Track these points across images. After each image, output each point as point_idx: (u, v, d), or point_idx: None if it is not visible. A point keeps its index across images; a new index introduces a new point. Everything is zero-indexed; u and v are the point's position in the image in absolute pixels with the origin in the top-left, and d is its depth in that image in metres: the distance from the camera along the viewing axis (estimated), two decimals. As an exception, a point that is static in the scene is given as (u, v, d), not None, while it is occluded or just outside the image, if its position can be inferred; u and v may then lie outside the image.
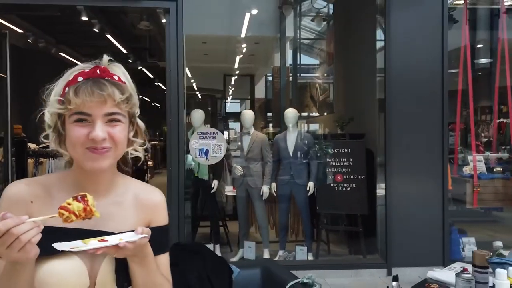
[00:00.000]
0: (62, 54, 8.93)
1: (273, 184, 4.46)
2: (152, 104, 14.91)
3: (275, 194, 4.49)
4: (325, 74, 7.79)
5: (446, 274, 1.51)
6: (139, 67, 9.83)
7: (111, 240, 0.80)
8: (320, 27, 7.53)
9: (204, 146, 3.98)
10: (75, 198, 0.76)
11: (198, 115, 4.36)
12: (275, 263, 2.61)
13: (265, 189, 4.36)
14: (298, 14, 7.20)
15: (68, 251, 0.78)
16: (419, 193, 4.07)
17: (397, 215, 4.04)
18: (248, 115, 4.45)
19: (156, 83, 11.74)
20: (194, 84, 8.65)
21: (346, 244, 4.81)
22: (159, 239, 0.94)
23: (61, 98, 0.85)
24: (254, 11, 5.81)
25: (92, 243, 0.78)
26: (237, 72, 8.65)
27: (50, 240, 0.76)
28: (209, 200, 4.55)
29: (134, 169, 10.43)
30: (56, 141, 0.89)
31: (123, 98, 0.87)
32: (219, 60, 8.36)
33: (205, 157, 3.99)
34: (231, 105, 11.53)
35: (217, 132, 4.07)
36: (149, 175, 11.22)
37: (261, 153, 4.45)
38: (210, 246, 4.36)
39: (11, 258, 0.71)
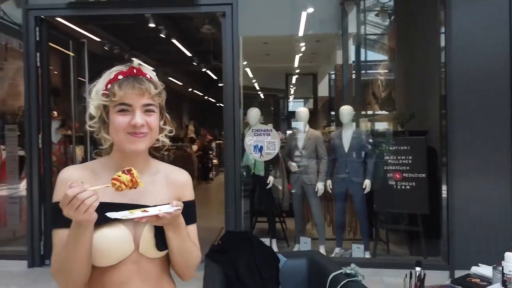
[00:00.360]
0: (133, 59, 9.62)
1: (329, 182, 4.47)
2: (217, 104, 15.49)
3: (330, 191, 4.49)
4: (387, 70, 7.56)
5: (489, 269, 1.46)
6: (203, 69, 10.29)
7: (152, 211, 0.95)
8: (385, 21, 7.33)
9: (259, 143, 4.12)
10: (123, 172, 0.93)
11: (254, 113, 4.50)
12: (321, 254, 2.66)
13: (319, 186, 4.39)
14: (361, 10, 7.07)
15: (117, 221, 0.95)
16: (485, 194, 3.85)
17: (461, 216, 3.86)
18: (303, 113, 4.51)
19: (220, 84, 12.18)
20: (256, 84, 8.83)
21: (407, 244, 4.66)
22: (187, 211, 1.08)
23: (106, 92, 1.01)
24: (315, 9, 5.81)
25: (137, 213, 0.94)
26: (299, 71, 8.67)
27: (102, 213, 0.93)
28: (265, 195, 4.68)
29: (200, 166, 10.99)
30: (100, 128, 1.06)
31: (156, 92, 1.06)
32: (281, 60, 8.42)
33: (260, 154, 4.13)
34: (294, 104, 11.56)
35: (271, 130, 4.19)
36: (214, 172, 11.68)
37: (316, 150, 4.49)
38: (266, 241, 4.49)
39: (78, 219, 0.87)
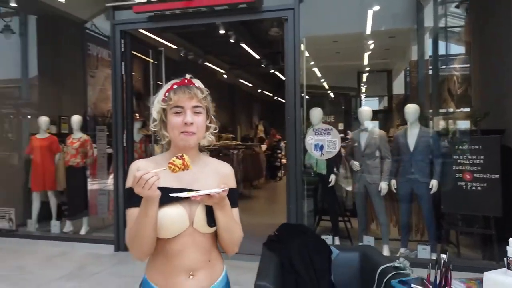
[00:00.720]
0: (206, 63, 10.24)
1: (393, 181, 4.42)
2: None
3: (395, 191, 4.45)
4: (464, 66, 7.14)
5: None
6: (272, 70, 10.57)
7: (204, 192, 1.17)
8: (465, 14, 6.94)
9: (319, 142, 4.24)
10: (177, 157, 1.17)
11: (316, 113, 4.61)
12: (374, 249, 2.72)
13: (383, 185, 4.37)
14: (438, 2, 6.79)
15: (176, 202, 1.20)
16: None
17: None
18: (365, 111, 4.52)
19: (288, 85, 12.34)
20: (325, 84, 8.83)
21: (480, 248, 4.45)
22: (231, 197, 1.30)
23: (165, 98, 1.28)
24: (388, 4, 5.70)
25: (192, 193, 1.17)
26: (372, 68, 8.49)
27: (165, 195, 1.18)
28: (327, 194, 4.77)
29: (269, 166, 11.29)
30: (160, 128, 1.33)
31: (202, 97, 1.31)
32: (352, 58, 8.28)
33: (320, 152, 4.24)
34: (368, 103, 11.27)
35: (332, 129, 4.28)
36: (282, 171, 11.89)
37: (379, 149, 4.47)
38: (329, 238, 4.59)
39: (145, 195, 1.13)
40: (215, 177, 1.34)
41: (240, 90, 15.66)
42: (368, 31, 6.13)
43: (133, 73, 5.76)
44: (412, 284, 1.54)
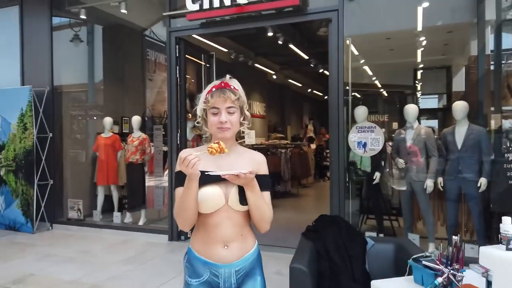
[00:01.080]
0: (256, 64, 10.53)
1: (440, 179, 4.38)
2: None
3: (441, 189, 4.40)
4: (524, 60, 6.76)
5: None
6: (320, 70, 10.63)
7: (233, 172, 1.40)
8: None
9: (363, 139, 4.31)
10: (214, 143, 1.41)
11: (360, 111, 4.68)
12: (409, 241, 2.79)
13: (429, 183, 4.34)
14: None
15: (214, 184, 1.45)
16: None
17: None
18: (411, 109, 4.51)
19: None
20: (377, 82, 8.67)
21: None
22: (263, 181, 1.52)
23: (205, 100, 1.53)
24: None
25: (223, 172, 1.42)
26: (429, 65, 8.22)
27: (205, 177, 1.43)
28: (372, 191, 4.82)
29: (317, 165, 11.35)
30: (203, 124, 1.58)
31: (235, 98, 1.52)
32: (408, 55, 8.00)
33: (364, 150, 4.31)
34: (426, 101, 10.84)
35: (375, 126, 4.33)
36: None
37: (425, 147, 4.45)
38: (373, 235, 4.63)
39: (188, 172, 1.37)
40: (249, 164, 1.54)
41: (290, 90, 15.81)
42: (424, 26, 5.97)
43: (187, 76, 6.16)
44: (423, 261, 1.65)
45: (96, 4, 6.35)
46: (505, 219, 1.37)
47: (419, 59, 7.62)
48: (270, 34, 7.04)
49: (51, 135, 6.03)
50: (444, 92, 8.89)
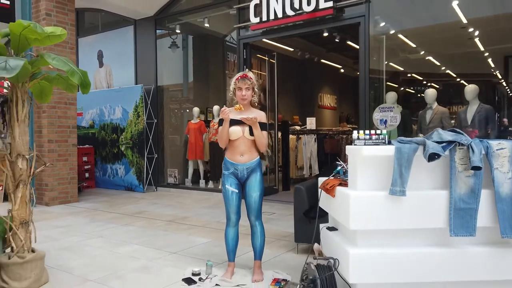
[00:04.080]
0: (323, 60, 11.74)
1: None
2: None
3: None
4: None
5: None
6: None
7: (245, 116, 2.87)
8: None
9: (384, 117, 5.40)
10: (238, 105, 2.91)
11: (391, 95, 5.74)
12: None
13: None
14: None
15: (237, 124, 2.93)
16: None
17: None
18: (430, 92, 5.47)
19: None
20: (449, 71, 8.87)
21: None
22: (261, 125, 2.96)
23: (235, 83, 3.01)
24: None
25: (241, 117, 2.89)
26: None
27: (233, 121, 2.93)
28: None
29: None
30: (233, 95, 3.04)
31: (250, 83, 2.98)
32: (492, 42, 7.21)
33: (384, 126, 5.40)
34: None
35: (393, 107, 5.39)
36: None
37: (442, 123, 5.38)
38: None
39: (224, 117, 2.89)
40: (254, 115, 2.94)
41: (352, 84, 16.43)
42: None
43: (260, 72, 7.72)
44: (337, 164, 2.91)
45: (188, 20, 8.23)
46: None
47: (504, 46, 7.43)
48: (335, 34, 8.23)
49: (155, 121, 8.09)
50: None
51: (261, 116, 3.04)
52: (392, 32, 6.01)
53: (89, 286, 3.03)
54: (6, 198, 6.83)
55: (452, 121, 5.72)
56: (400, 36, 6.29)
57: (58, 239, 4.34)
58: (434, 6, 5.56)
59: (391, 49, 6.25)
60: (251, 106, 3.10)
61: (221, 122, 2.99)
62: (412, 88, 8.59)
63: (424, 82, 9.39)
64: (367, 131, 2.48)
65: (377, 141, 2.45)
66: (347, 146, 2.57)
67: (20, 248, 2.97)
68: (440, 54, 7.89)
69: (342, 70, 13.51)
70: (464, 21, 5.84)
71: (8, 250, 3.11)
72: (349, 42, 9.54)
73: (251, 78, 3.02)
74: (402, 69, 7.82)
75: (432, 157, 2.24)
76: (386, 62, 6.22)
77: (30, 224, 3.07)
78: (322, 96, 13.96)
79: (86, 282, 3.10)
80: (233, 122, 2.95)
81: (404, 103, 7.46)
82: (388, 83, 6.29)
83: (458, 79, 9.01)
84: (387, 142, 2.45)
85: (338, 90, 14.68)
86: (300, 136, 8.65)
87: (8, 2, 5.69)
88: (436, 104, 5.50)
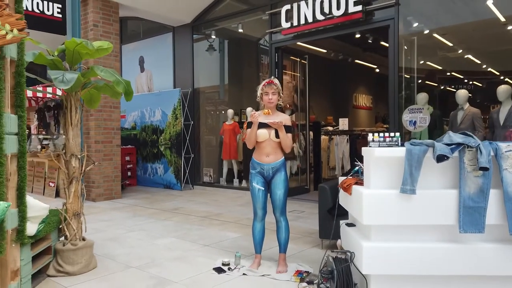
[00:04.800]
0: (357, 60, 11.75)
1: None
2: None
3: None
4: None
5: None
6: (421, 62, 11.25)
7: (271, 121, 3.12)
8: None
9: (413, 118, 5.46)
10: (266, 110, 3.18)
11: (421, 97, 5.78)
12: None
13: (473, 154, 5.27)
14: None
15: (264, 128, 3.20)
16: None
17: None
18: (462, 93, 5.47)
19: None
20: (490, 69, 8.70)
21: None
22: (286, 128, 3.19)
23: (263, 88, 3.28)
24: None
25: (268, 121, 3.15)
26: None
27: (261, 125, 3.20)
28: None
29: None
30: (261, 99, 3.31)
31: (275, 87, 3.24)
32: None
33: (414, 127, 5.46)
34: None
35: (423, 108, 5.43)
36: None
37: (473, 124, 5.37)
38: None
39: (253, 121, 3.16)
40: (280, 119, 3.19)
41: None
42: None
43: (294, 73, 7.95)
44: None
45: (223, 26, 8.60)
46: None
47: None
48: (368, 35, 8.30)
49: (192, 122, 8.52)
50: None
51: (286, 119, 3.29)
52: (425, 31, 6.02)
53: (131, 272, 3.40)
54: (57, 195, 7.49)
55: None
56: (435, 35, 6.28)
57: (104, 231, 4.79)
58: (468, 4, 5.54)
59: (424, 48, 6.27)
60: (276, 109, 3.36)
61: (250, 124, 3.27)
62: (446, 87, 8.50)
63: (465, 81, 9.22)
64: (381, 134, 2.66)
65: (391, 143, 2.62)
66: (362, 148, 2.76)
67: (73, 236, 3.39)
68: (479, 52, 7.78)
69: (377, 70, 13.43)
70: (502, 19, 5.80)
71: (62, 238, 3.55)
72: (383, 43, 9.53)
73: (277, 84, 3.28)
74: (440, 67, 7.82)
75: (441, 158, 2.40)
76: (417, 63, 6.25)
77: (81, 215, 3.48)
78: (357, 96, 13.94)
79: (129, 268, 3.47)
80: (261, 125, 3.22)
81: (440, 102, 7.47)
82: (423, 81, 6.31)
83: (501, 77, 8.81)
84: (399, 144, 2.62)
85: (374, 90, 14.59)
86: (332, 136, 8.77)
87: (60, 16, 6.27)
88: (467, 104, 5.49)
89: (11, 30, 2.34)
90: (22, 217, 2.69)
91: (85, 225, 3.56)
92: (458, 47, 7.43)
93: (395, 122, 5.67)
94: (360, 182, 2.78)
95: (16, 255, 2.69)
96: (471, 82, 9.43)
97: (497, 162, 2.43)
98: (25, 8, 2.88)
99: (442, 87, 8.30)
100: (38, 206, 3.00)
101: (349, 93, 13.42)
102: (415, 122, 5.50)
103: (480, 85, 9.08)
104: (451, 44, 7.34)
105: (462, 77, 8.91)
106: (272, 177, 3.27)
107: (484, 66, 8.78)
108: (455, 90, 5.80)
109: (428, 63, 7.44)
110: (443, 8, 5.84)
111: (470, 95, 7.65)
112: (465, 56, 7.98)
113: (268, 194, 3.38)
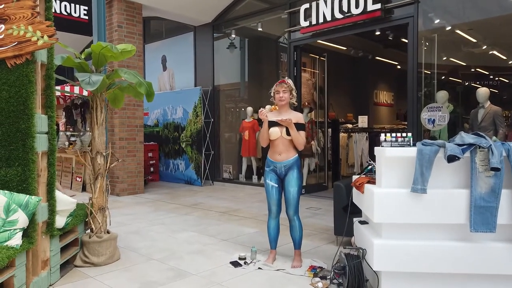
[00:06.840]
0: (377, 57, 11.65)
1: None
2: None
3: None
4: None
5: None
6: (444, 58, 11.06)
7: (282, 118, 3.21)
8: None
9: (432, 117, 5.43)
10: (274, 106, 3.27)
11: (441, 95, 5.74)
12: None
13: (494, 153, 5.21)
14: None
15: (275, 126, 3.29)
16: None
17: None
18: (482, 91, 5.40)
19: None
20: None
21: None
22: (297, 125, 3.27)
23: (274, 87, 3.37)
24: None
25: (279, 119, 3.24)
26: None
27: (272, 123, 3.28)
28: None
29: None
30: (273, 98, 3.41)
31: (286, 86, 3.33)
32: None
33: (432, 125, 5.43)
34: None
35: (442, 107, 5.39)
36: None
37: (494, 122, 5.30)
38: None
39: (263, 118, 3.27)
40: (291, 117, 3.28)
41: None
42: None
43: (314, 70, 7.99)
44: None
45: (243, 25, 8.70)
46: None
47: None
48: (388, 32, 8.23)
49: (212, 120, 8.69)
50: None
51: (297, 117, 3.36)
52: (447, 28, 5.95)
53: (152, 263, 3.56)
54: (83, 189, 7.80)
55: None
56: (457, 31, 6.19)
57: (127, 224, 5.00)
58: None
59: (446, 44, 6.19)
60: (288, 107, 3.44)
61: (261, 125, 3.37)
62: (471, 83, 8.37)
63: (491, 77, 9.03)
64: (393, 134, 2.71)
65: (403, 143, 2.67)
66: (375, 148, 2.81)
67: (98, 229, 3.59)
68: (507, 47, 7.63)
69: (398, 67, 13.25)
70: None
71: (88, 231, 3.75)
72: (404, 39, 9.42)
73: (288, 83, 3.36)
74: (463, 63, 7.70)
75: (452, 158, 2.43)
76: (438, 59, 6.19)
77: (106, 210, 3.67)
78: (377, 93, 13.80)
79: (150, 260, 3.64)
80: (273, 124, 3.31)
81: (463, 99, 7.39)
82: (446, 78, 6.24)
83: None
84: (411, 144, 2.67)
85: (396, 87, 14.40)
86: (351, 134, 8.77)
87: (86, 18, 6.52)
88: (488, 103, 5.42)
89: (42, 37, 2.52)
90: (52, 210, 2.88)
91: (109, 219, 3.75)
92: (483, 43, 7.30)
93: (413, 120, 5.65)
94: (372, 181, 2.84)
95: (46, 246, 2.89)
96: (496, 78, 9.24)
97: (510, 163, 2.45)
98: (53, 11, 3.04)
99: (466, 83, 8.18)
100: (66, 200, 3.19)
101: (369, 90, 13.30)
102: (433, 120, 5.47)
103: (507, 81, 8.89)
104: (474, 40, 7.23)
105: (487, 73, 8.75)
106: (285, 174, 3.37)
107: (511, 62, 8.58)
108: (479, 87, 5.73)
109: (451, 59, 7.36)
110: (468, 3, 5.75)
111: (495, 91, 7.51)
112: (490, 52, 7.85)
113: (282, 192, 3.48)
